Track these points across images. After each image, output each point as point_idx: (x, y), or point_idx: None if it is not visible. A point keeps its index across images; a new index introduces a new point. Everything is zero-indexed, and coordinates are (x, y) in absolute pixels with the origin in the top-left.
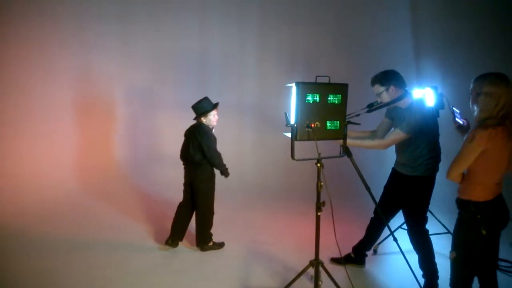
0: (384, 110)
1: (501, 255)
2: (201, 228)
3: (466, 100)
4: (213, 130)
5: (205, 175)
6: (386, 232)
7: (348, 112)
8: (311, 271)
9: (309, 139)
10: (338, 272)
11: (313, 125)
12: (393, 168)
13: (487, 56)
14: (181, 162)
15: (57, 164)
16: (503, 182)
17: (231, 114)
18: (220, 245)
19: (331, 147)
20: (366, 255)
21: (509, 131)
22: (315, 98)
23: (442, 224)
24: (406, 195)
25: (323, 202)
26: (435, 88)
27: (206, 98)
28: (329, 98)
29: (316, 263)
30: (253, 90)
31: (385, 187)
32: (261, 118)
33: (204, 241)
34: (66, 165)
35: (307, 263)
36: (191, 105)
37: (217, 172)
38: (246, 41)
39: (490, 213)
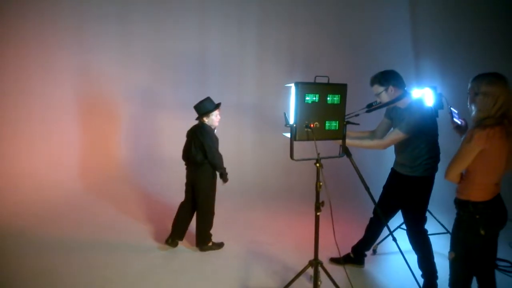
0: (383, 110)
1: (501, 255)
2: (201, 229)
3: (465, 100)
4: (215, 130)
5: (206, 176)
6: (385, 232)
7: (347, 112)
8: (311, 271)
9: (308, 139)
10: (338, 272)
11: (312, 125)
12: (392, 168)
13: (486, 56)
14: (182, 162)
15: (57, 164)
16: (502, 182)
17: (230, 114)
18: (220, 245)
19: (331, 147)
20: (365, 255)
21: (507, 131)
22: (314, 98)
23: (441, 224)
24: (405, 195)
25: (322, 202)
26: (434, 88)
27: (208, 98)
28: (328, 98)
29: (315, 263)
30: (253, 90)
31: (384, 187)
32: (260, 118)
33: (203, 241)
34: (66, 165)
35: (306, 263)
36: (192, 105)
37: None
38: (245, 41)
39: (488, 213)
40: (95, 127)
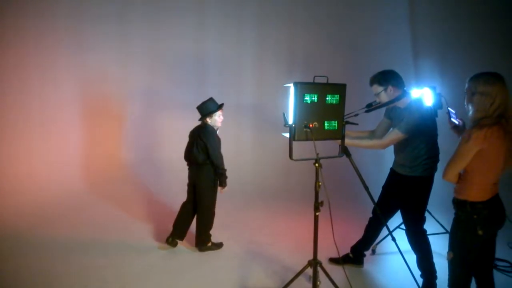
0: (383, 110)
1: (500, 255)
2: (201, 229)
3: (464, 100)
4: (217, 131)
5: (208, 176)
6: (384, 232)
7: (346, 112)
8: (310, 271)
9: (307, 139)
10: (337, 272)
11: (311, 125)
12: (391, 168)
13: (485, 56)
14: (182, 162)
15: (57, 165)
16: (500, 183)
17: (229, 114)
18: (219, 245)
19: (330, 147)
20: (364, 255)
21: (505, 130)
22: (313, 98)
23: (441, 224)
24: (404, 195)
25: (321, 202)
26: (433, 88)
27: (211, 99)
28: (327, 98)
29: (314, 263)
30: (252, 90)
31: (384, 187)
32: (259, 118)
33: (203, 242)
34: (66, 166)
35: (305, 263)
36: (192, 105)
37: None
38: (245, 41)
39: (486, 213)
40: (95, 127)
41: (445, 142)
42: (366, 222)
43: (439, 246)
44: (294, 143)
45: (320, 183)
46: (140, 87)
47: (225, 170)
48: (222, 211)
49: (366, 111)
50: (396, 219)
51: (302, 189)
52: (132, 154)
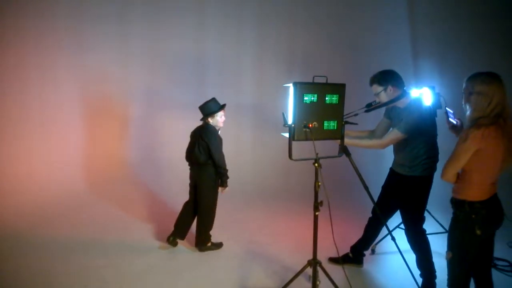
0: (382, 109)
1: (499, 254)
2: (201, 229)
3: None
4: (219, 131)
5: (209, 177)
6: (384, 231)
7: (346, 111)
8: (309, 271)
9: (306, 139)
10: (336, 272)
11: (310, 125)
12: (391, 168)
13: (485, 56)
14: (183, 162)
15: (57, 165)
16: (499, 182)
17: (229, 114)
18: (218, 245)
19: (330, 147)
20: (364, 255)
21: (503, 130)
22: (312, 98)
23: (440, 224)
24: (404, 195)
25: (321, 202)
26: (432, 88)
27: (213, 99)
28: (326, 98)
29: (314, 262)
30: (252, 90)
31: (383, 187)
32: (259, 118)
33: (203, 242)
34: (66, 166)
35: (305, 263)
36: (191, 104)
37: None
38: (245, 41)
39: (484, 213)
40: (95, 127)
41: (445, 142)
42: (366, 222)
43: (439, 245)
44: (294, 143)
45: (319, 183)
46: (140, 87)
47: (227, 170)
48: (222, 211)
49: (366, 111)
50: (396, 219)
51: (302, 189)
52: (132, 154)
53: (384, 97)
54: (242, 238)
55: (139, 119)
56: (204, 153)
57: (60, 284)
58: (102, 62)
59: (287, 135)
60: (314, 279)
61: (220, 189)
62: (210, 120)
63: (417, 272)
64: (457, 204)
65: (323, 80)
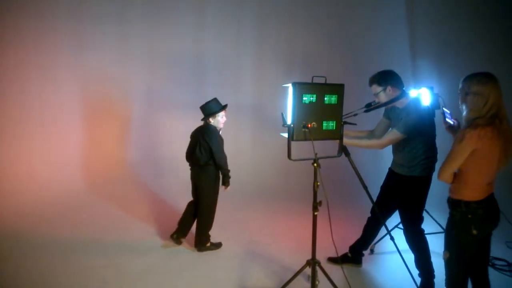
0: (382, 109)
1: (498, 254)
2: (200, 230)
3: None
4: (220, 131)
5: (209, 178)
6: (382, 231)
7: (345, 112)
8: (308, 270)
9: (305, 139)
10: (335, 271)
11: (309, 126)
12: (390, 168)
13: (484, 56)
14: (182, 162)
15: (57, 165)
16: (495, 182)
17: (229, 114)
18: (217, 245)
19: (329, 147)
20: (363, 255)
21: (499, 130)
22: (311, 98)
23: (438, 224)
24: (402, 195)
25: (320, 202)
26: (431, 88)
27: (215, 99)
28: (325, 99)
29: (313, 262)
30: (251, 90)
31: (382, 187)
32: (258, 118)
33: (202, 242)
34: (66, 166)
35: (304, 262)
36: (191, 104)
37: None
38: (244, 41)
39: (481, 213)
40: (95, 127)
41: (443, 143)
42: (365, 222)
43: (437, 245)
44: (293, 143)
45: (318, 183)
46: (140, 87)
47: (229, 170)
48: (222, 211)
49: (365, 111)
50: (394, 219)
51: (302, 189)
52: (132, 154)
53: (383, 97)
54: (242, 238)
55: (139, 119)
56: (206, 154)
57: (60, 284)
58: (102, 62)
59: (286, 135)
60: (313, 279)
61: (222, 187)
62: (211, 120)
63: (415, 272)
64: (454, 204)
65: (322, 80)
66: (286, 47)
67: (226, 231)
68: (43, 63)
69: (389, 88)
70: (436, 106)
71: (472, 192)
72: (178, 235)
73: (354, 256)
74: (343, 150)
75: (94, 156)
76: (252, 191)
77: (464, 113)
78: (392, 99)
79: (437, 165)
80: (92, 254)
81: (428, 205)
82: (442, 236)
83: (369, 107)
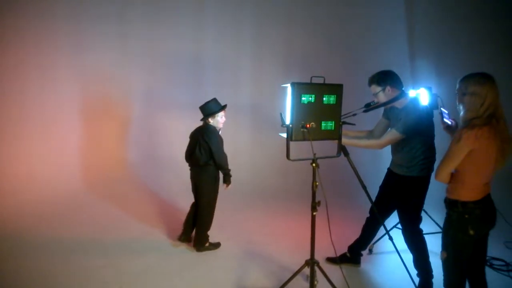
0: (381, 110)
1: (496, 254)
2: (199, 230)
3: None
4: (219, 131)
5: (209, 178)
6: (381, 231)
7: (344, 112)
8: (307, 270)
9: (304, 140)
10: (334, 271)
11: (308, 126)
12: (388, 169)
13: (482, 56)
14: (181, 163)
15: (57, 165)
16: (492, 182)
17: (228, 114)
18: (216, 245)
19: (328, 147)
20: (361, 255)
21: (496, 130)
22: (310, 98)
23: (437, 224)
24: (401, 195)
25: (319, 202)
26: (429, 88)
27: (214, 99)
28: (324, 99)
29: (311, 262)
30: (250, 90)
31: (381, 187)
32: (258, 119)
33: (201, 242)
34: (66, 166)
35: (303, 262)
36: (189, 104)
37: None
38: (243, 41)
39: (478, 213)
40: (95, 127)
41: (442, 143)
42: (364, 222)
43: (435, 245)
44: (292, 143)
45: (317, 183)
46: (140, 87)
47: (229, 170)
48: (221, 211)
49: (364, 111)
50: (393, 219)
51: (301, 189)
52: (132, 153)
53: (382, 98)
54: (241, 238)
55: (139, 119)
56: (205, 155)
57: (60, 284)
58: (102, 62)
59: (285, 135)
60: (312, 279)
61: (224, 185)
62: (211, 120)
63: (414, 272)
64: (451, 204)
65: (321, 81)
66: (285, 47)
67: (225, 231)
68: (43, 63)
69: (388, 88)
70: (434, 106)
71: (469, 192)
72: (185, 237)
73: (352, 256)
74: (342, 150)
75: (94, 156)
76: (251, 191)
77: (462, 113)
78: (391, 99)
79: (436, 165)
80: (92, 254)
81: (426, 205)
82: (440, 236)
83: (368, 107)
